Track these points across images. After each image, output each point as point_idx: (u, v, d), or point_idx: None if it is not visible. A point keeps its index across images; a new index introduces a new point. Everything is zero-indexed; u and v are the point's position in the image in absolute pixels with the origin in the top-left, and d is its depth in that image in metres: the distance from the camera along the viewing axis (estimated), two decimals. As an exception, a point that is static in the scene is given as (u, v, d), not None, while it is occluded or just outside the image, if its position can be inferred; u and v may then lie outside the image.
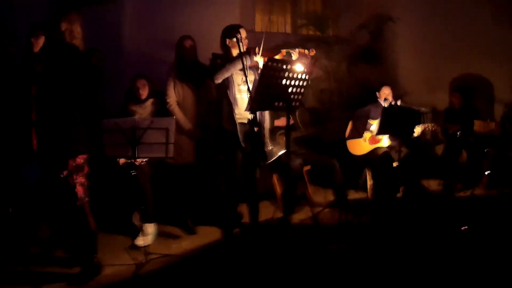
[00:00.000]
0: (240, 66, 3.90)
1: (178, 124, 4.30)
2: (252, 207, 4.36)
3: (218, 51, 4.32)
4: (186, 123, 4.59)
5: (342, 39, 7.20)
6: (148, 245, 4.04)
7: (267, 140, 4.32)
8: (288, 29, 7.50)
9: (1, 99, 3.75)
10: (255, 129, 3.96)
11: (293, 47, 4.15)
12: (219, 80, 4.05)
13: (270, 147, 4.31)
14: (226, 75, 4.05)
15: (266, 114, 4.37)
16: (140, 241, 4.22)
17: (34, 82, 3.80)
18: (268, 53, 3.92)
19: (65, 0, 5.44)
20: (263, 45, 3.94)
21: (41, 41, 4.17)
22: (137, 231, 4.36)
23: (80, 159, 3.49)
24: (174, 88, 4.59)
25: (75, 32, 3.51)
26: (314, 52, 3.97)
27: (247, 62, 3.97)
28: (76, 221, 3.60)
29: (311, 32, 7.30)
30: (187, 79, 4.62)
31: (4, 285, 3.66)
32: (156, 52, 5.29)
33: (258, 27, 6.42)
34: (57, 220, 4.23)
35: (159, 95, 4.69)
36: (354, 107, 5.62)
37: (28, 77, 3.91)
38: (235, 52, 4.11)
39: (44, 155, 3.54)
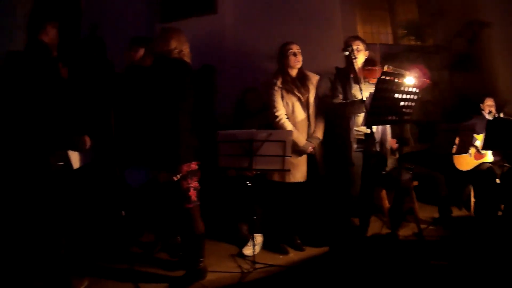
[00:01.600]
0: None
1: None
2: (363, 222, 4.37)
3: (321, 62, 4.32)
4: (300, 139, 4.26)
5: (440, 47, 6.93)
6: (255, 255, 4.06)
7: (387, 156, 4.28)
8: (390, 40, 7.31)
9: (102, 106, 3.86)
10: (374, 145, 3.97)
11: (396, 58, 4.12)
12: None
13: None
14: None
15: (388, 129, 4.31)
16: (248, 250, 4.27)
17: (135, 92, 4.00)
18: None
19: (166, 12, 5.66)
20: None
21: (140, 53, 4.37)
22: (244, 240, 4.42)
23: (194, 165, 3.65)
24: (282, 100, 4.33)
25: (184, 52, 3.70)
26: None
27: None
28: (186, 224, 3.71)
29: (412, 42, 7.07)
30: (295, 90, 4.32)
31: (109, 279, 3.92)
32: (258, 63, 5.22)
33: (361, 38, 6.25)
34: (163, 223, 4.40)
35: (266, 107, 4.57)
36: (457, 119, 5.42)
37: (129, 86, 4.12)
38: (356, 63, 4.15)
39: (155, 160, 3.65)
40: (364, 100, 3.83)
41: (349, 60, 4.17)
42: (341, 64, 5.01)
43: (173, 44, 3.64)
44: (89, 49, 4.09)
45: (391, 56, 4.77)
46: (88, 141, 3.51)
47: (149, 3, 5.76)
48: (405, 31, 7.12)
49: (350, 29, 5.76)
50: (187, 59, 3.71)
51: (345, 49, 4.16)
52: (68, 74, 3.69)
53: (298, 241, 4.43)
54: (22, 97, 3.29)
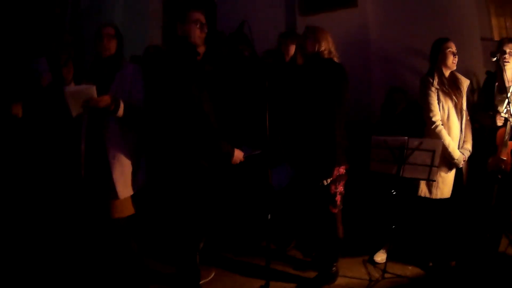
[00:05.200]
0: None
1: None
2: (494, 240, 4.06)
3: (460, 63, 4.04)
4: (456, 151, 3.81)
5: None
6: (386, 263, 3.88)
7: None
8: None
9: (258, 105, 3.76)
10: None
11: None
12: None
13: None
14: None
15: None
16: (379, 258, 4.13)
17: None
18: None
19: (305, 5, 5.46)
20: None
21: (292, 50, 4.25)
22: (378, 246, 4.26)
23: (343, 169, 3.55)
24: (438, 103, 3.85)
25: (333, 53, 3.62)
26: None
27: None
28: (328, 227, 3.65)
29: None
30: (452, 93, 3.85)
31: (237, 272, 4.00)
32: (404, 60, 4.91)
33: (497, 35, 5.83)
34: (301, 223, 4.36)
35: (412, 107, 4.31)
36: None
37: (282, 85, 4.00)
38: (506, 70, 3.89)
39: (306, 163, 3.57)
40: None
41: (499, 66, 3.91)
42: (478, 65, 4.75)
43: (324, 45, 3.56)
44: (236, 46, 3.99)
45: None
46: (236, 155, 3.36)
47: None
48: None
49: (484, 23, 5.36)
50: (337, 59, 3.62)
51: (493, 54, 3.88)
52: (217, 74, 3.64)
53: (430, 263, 4.03)
54: (168, 98, 3.24)
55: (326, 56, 3.56)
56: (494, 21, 5.74)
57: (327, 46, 3.56)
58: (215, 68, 3.69)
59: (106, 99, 3.10)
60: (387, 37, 5.06)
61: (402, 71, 4.83)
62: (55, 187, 3.62)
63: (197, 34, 3.30)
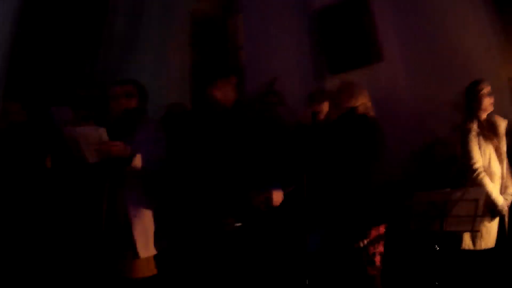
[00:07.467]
0: None
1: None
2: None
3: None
4: (499, 198, 3.67)
5: None
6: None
7: None
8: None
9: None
10: None
11: None
12: None
13: None
14: None
15: None
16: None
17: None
18: None
19: (335, 66, 5.48)
20: None
21: (325, 107, 4.19)
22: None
23: (382, 228, 3.43)
24: (479, 149, 3.75)
25: (368, 106, 3.58)
26: None
27: None
28: None
29: None
30: (492, 136, 3.77)
31: None
32: (434, 111, 4.74)
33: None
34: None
35: (450, 160, 4.15)
36: None
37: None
38: None
39: (341, 223, 3.48)
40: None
41: None
42: (508, 106, 4.66)
43: (360, 99, 3.54)
44: (268, 104, 4.02)
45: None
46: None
47: (314, 55, 5.62)
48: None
49: (509, 62, 5.29)
50: (372, 114, 3.57)
51: None
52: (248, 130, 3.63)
53: None
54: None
55: (361, 111, 3.52)
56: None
57: (362, 100, 3.55)
58: (246, 126, 3.69)
59: (119, 144, 2.99)
60: (416, 89, 5.02)
61: (433, 123, 4.74)
62: (75, 242, 3.51)
63: (229, 96, 3.33)
